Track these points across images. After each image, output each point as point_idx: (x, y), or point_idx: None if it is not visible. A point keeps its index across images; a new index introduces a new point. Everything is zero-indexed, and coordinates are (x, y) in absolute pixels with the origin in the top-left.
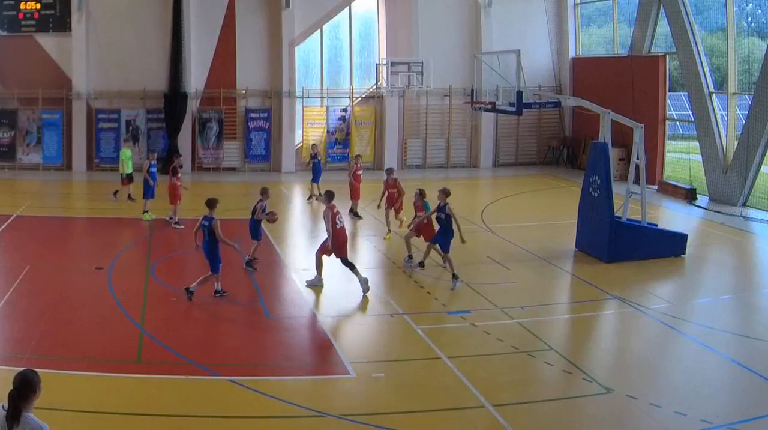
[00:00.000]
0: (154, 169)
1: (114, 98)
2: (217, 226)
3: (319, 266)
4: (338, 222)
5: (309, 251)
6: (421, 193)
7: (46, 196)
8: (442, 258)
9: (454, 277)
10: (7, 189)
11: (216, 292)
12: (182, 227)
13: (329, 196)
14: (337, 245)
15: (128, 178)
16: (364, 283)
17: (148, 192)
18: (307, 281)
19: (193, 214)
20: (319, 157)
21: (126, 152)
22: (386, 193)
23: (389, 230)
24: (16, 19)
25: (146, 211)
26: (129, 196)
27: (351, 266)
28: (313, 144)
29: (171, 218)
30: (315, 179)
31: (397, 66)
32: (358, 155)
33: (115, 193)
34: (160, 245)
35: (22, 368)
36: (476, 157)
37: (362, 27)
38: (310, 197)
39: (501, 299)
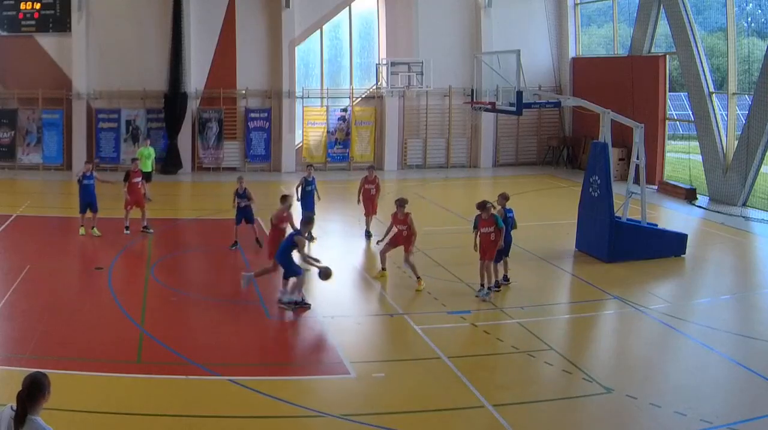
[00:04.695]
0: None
1: (114, 98)
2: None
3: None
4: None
5: (308, 251)
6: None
7: (46, 196)
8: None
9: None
10: (7, 189)
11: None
12: (152, 231)
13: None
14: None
15: (144, 177)
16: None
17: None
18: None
19: (196, 214)
20: (251, 200)
21: (143, 151)
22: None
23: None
24: (16, 19)
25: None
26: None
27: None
28: (239, 177)
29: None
30: (247, 220)
31: (397, 66)
32: (370, 167)
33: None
34: (160, 245)
35: (22, 368)
36: (476, 157)
37: (362, 27)
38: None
39: (501, 299)
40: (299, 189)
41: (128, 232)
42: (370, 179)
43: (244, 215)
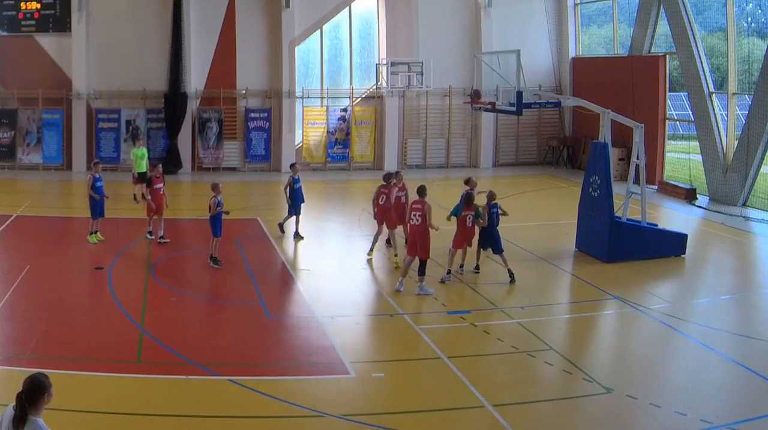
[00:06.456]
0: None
1: (114, 98)
2: None
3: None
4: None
5: (309, 251)
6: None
7: (46, 196)
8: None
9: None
10: (7, 189)
11: None
12: (152, 238)
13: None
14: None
15: (139, 178)
16: (422, 290)
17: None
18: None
19: (196, 214)
20: (221, 204)
21: (137, 152)
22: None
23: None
24: (16, 19)
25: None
26: (134, 197)
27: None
28: (218, 185)
29: (150, 233)
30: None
31: (397, 66)
32: (397, 173)
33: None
34: (160, 245)
35: (22, 368)
36: (476, 157)
37: (362, 27)
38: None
39: (501, 299)
40: (288, 189)
41: (164, 240)
42: (399, 186)
43: (218, 224)
